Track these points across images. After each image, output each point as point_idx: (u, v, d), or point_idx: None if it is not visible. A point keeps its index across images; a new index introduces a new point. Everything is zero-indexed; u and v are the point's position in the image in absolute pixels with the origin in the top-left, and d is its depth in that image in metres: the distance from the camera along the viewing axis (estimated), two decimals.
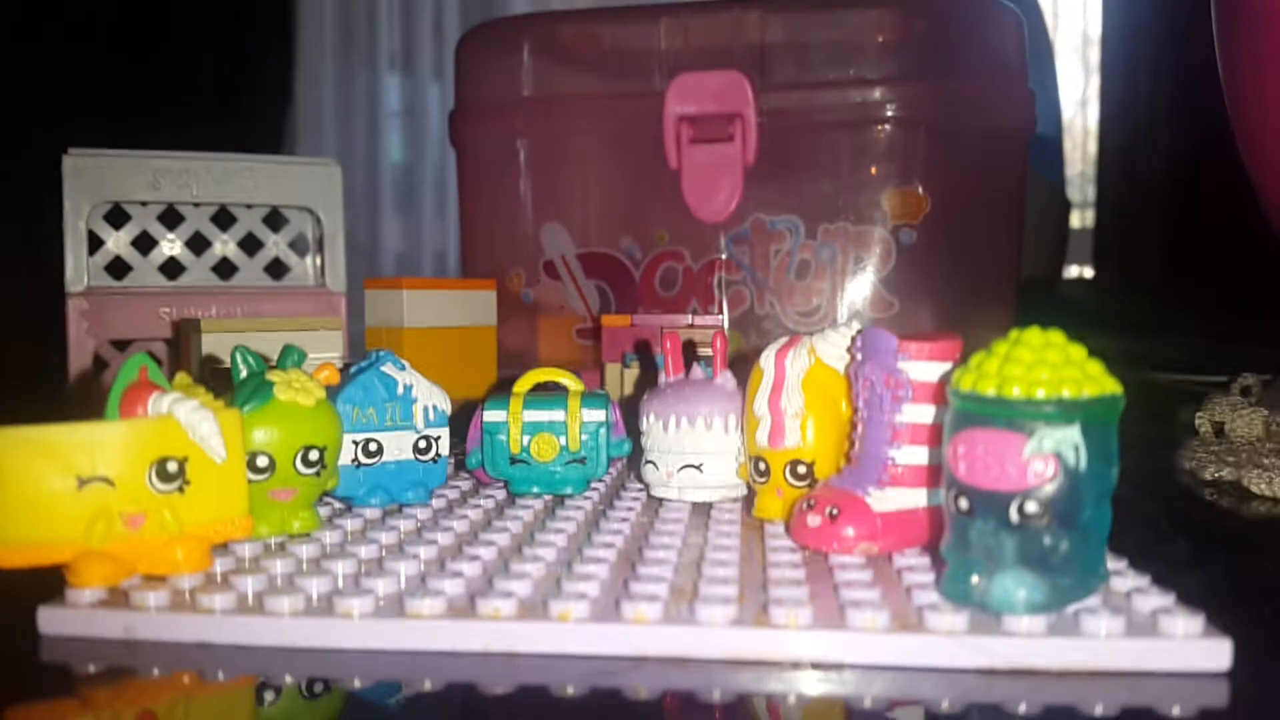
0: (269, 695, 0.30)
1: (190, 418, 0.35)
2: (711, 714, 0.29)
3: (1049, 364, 0.30)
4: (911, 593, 0.33)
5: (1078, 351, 0.31)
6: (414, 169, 2.33)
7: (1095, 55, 2.29)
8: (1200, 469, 0.57)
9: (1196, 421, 0.66)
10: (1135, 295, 1.84)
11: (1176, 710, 0.28)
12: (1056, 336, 0.31)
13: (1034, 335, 0.31)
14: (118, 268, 0.72)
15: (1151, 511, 0.50)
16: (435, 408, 0.46)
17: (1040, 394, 0.30)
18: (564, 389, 0.49)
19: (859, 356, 0.39)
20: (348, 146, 2.24)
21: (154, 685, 0.30)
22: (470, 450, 0.48)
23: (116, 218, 0.72)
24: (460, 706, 0.30)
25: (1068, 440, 0.30)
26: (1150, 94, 1.84)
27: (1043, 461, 0.30)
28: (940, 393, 0.37)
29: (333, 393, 0.43)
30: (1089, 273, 2.23)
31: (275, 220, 0.77)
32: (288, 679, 0.30)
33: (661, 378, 0.48)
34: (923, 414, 0.38)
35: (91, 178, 0.69)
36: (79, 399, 0.67)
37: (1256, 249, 0.76)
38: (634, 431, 0.48)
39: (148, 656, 0.32)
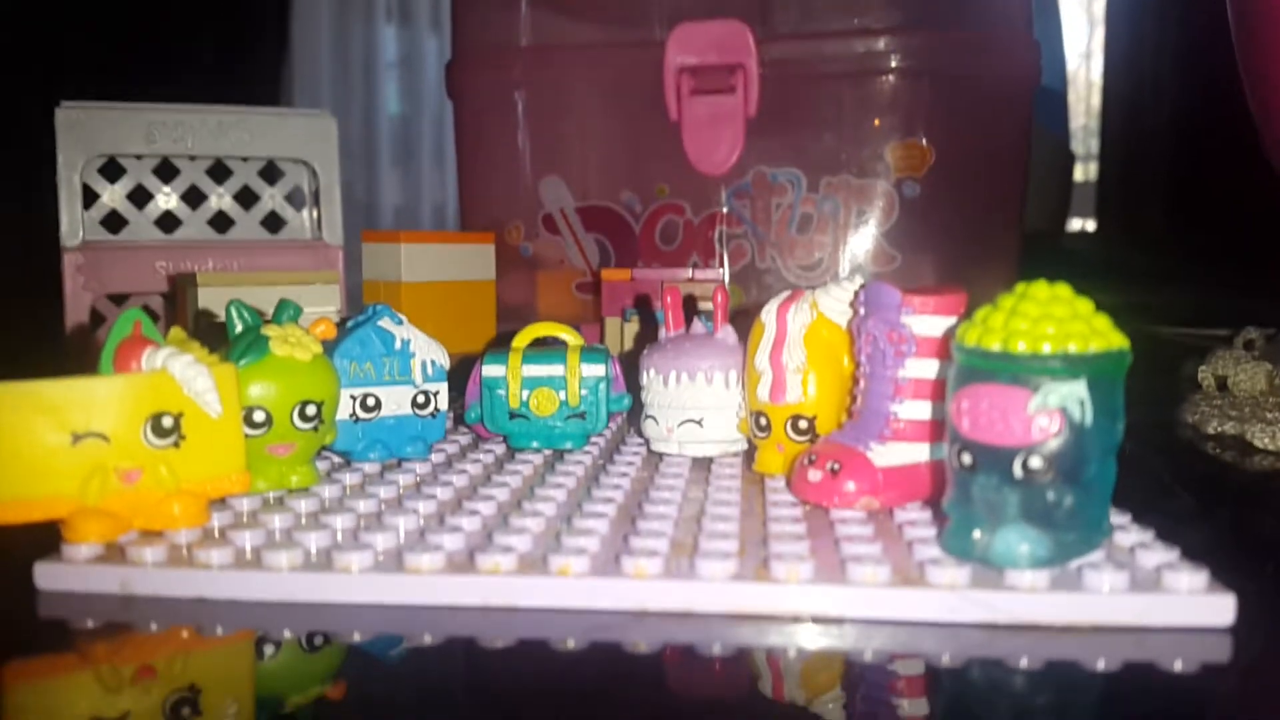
0: (268, 649, 0.30)
1: (185, 372, 0.34)
2: (711, 668, 0.29)
3: (1055, 318, 0.30)
4: (913, 547, 0.33)
5: (1085, 305, 0.30)
6: (412, 121, 2.31)
7: (1099, 7, 2.27)
8: (1203, 423, 0.57)
9: (1200, 375, 0.66)
10: (1139, 248, 1.83)
11: (1179, 665, 0.28)
12: (1063, 290, 0.31)
13: (1040, 289, 0.31)
14: (113, 222, 0.71)
15: (1155, 466, 0.49)
16: (433, 362, 0.46)
17: (1046, 349, 0.29)
18: (563, 344, 0.48)
19: (862, 311, 0.39)
20: (345, 99, 2.22)
21: (152, 640, 0.30)
22: (469, 405, 0.48)
23: (111, 171, 0.71)
24: (460, 660, 0.30)
25: (1073, 395, 0.29)
26: (1155, 46, 1.83)
27: (1047, 417, 0.29)
28: (943, 347, 0.37)
29: (330, 347, 0.43)
30: (1092, 225, 2.23)
31: (271, 173, 0.76)
32: (286, 633, 0.30)
33: (662, 332, 0.47)
34: (925, 369, 0.37)
35: (85, 131, 0.68)
36: (75, 354, 0.67)
37: (1261, 201, 0.75)
38: (634, 386, 0.48)
39: (145, 612, 0.31)
